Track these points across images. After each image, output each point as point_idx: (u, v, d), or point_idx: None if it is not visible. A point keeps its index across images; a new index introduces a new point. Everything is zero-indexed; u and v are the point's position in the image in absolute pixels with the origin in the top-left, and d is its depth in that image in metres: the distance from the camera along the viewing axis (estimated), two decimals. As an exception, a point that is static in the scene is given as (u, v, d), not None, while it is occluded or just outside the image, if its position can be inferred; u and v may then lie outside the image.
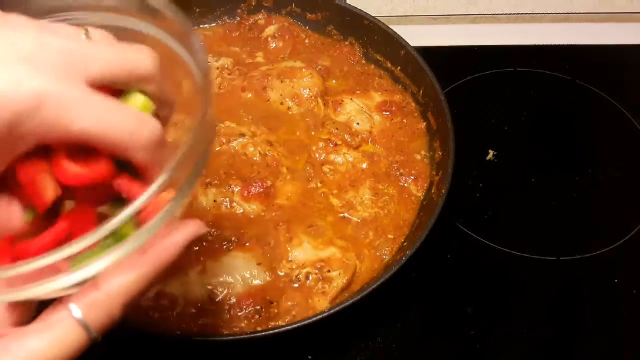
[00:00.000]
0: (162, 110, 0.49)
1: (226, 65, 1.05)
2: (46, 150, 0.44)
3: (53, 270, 0.41)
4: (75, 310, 0.43)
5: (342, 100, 1.01)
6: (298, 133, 0.98)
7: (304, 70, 1.03)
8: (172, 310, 0.77)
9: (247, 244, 0.83)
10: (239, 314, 0.78)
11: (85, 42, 0.45)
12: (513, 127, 1.14)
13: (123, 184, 0.47)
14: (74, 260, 0.41)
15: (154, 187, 0.41)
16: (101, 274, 0.43)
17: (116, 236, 0.42)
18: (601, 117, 1.18)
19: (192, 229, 0.47)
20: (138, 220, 0.42)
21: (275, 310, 0.78)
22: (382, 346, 0.87)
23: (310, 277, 0.81)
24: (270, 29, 1.11)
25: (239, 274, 0.80)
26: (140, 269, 0.44)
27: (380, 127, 1.00)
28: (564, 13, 1.36)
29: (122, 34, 0.51)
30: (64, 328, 0.43)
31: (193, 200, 0.87)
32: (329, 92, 1.03)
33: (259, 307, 0.78)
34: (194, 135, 0.44)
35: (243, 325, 0.77)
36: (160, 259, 0.45)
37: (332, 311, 0.74)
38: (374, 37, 1.08)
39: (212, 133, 0.48)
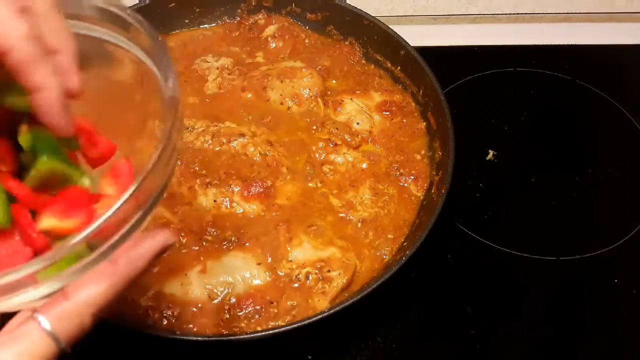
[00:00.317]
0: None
1: (226, 65, 1.05)
2: None
3: (21, 283, 0.41)
4: (44, 321, 0.43)
5: (342, 100, 1.01)
6: (298, 133, 0.98)
7: (304, 70, 1.03)
8: (172, 310, 0.77)
9: (247, 244, 0.83)
10: (239, 314, 0.78)
11: None
12: (513, 127, 1.14)
13: (92, 196, 0.48)
14: (43, 273, 0.41)
15: (121, 201, 0.42)
16: (70, 285, 0.43)
17: (85, 248, 0.43)
18: (601, 117, 1.18)
19: (160, 239, 0.47)
20: (106, 232, 0.43)
21: (275, 310, 0.78)
22: (382, 346, 0.87)
23: (310, 277, 0.81)
24: (270, 29, 1.11)
25: (239, 274, 0.80)
26: (110, 279, 0.44)
27: (380, 127, 1.00)
28: (564, 13, 1.36)
29: (94, 44, 0.52)
30: (33, 340, 0.43)
31: (193, 200, 0.87)
32: (329, 92, 1.03)
33: (259, 307, 0.78)
34: (160, 152, 0.45)
35: (243, 325, 0.77)
36: (130, 269, 0.45)
37: (332, 311, 0.74)
38: (374, 37, 1.08)
39: (178, 148, 0.49)
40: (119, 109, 0.57)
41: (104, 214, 0.42)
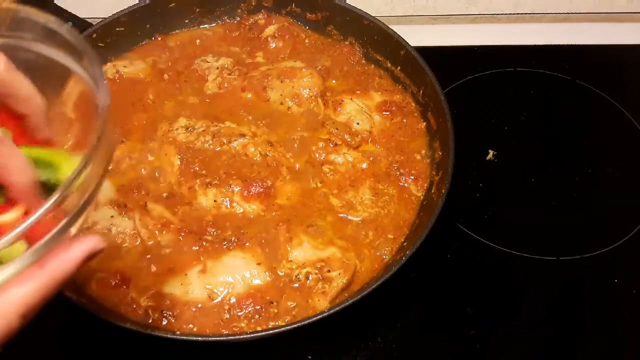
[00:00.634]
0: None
1: (226, 65, 1.05)
2: None
3: None
4: None
5: (342, 100, 1.01)
6: (298, 133, 0.97)
7: (304, 70, 1.03)
8: (172, 310, 0.77)
9: (247, 244, 0.83)
10: (239, 314, 0.78)
11: None
12: (513, 127, 1.14)
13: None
14: None
15: (43, 208, 0.42)
16: None
17: (10, 250, 0.43)
18: (601, 117, 1.18)
19: (90, 244, 0.48)
20: (33, 235, 0.43)
21: (275, 310, 0.79)
22: (382, 346, 0.87)
23: (310, 277, 0.81)
24: (270, 29, 1.11)
25: (239, 274, 0.80)
26: (38, 281, 0.45)
27: (380, 127, 1.00)
28: (564, 13, 1.36)
29: (33, 59, 0.53)
30: None
31: (193, 200, 0.87)
32: (329, 92, 1.03)
33: (259, 307, 0.78)
34: (82, 161, 0.45)
35: (243, 325, 0.77)
36: (59, 272, 0.46)
37: (332, 311, 0.74)
38: (374, 37, 1.08)
39: (108, 155, 0.49)
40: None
41: (27, 220, 0.42)
